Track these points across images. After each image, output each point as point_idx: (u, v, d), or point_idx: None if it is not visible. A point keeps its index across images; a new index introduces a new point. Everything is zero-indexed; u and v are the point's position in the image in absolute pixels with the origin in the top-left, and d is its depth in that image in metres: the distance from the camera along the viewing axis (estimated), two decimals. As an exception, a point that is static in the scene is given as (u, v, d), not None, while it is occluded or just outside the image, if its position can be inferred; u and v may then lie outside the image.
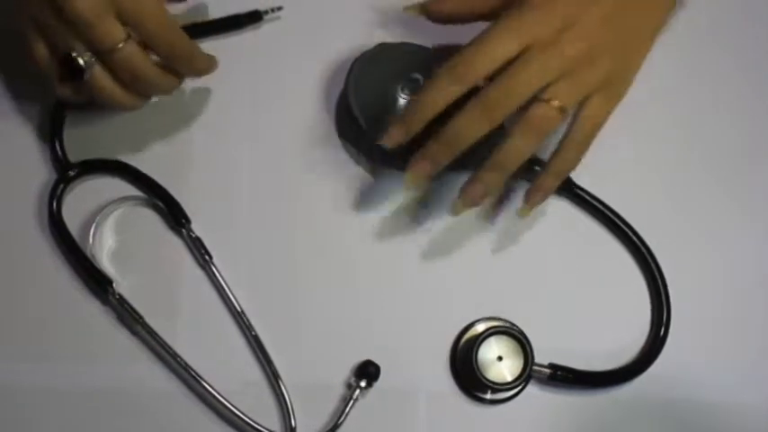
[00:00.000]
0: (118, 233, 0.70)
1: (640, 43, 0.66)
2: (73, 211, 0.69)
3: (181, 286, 0.69)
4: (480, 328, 0.68)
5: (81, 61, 0.63)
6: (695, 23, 0.75)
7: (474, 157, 0.64)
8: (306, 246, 0.70)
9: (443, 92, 0.62)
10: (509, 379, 0.66)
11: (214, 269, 0.68)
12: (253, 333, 0.67)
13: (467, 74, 0.61)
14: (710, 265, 0.71)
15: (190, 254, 0.69)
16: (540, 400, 0.68)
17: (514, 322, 0.68)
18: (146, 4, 0.63)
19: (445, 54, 0.64)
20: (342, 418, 0.66)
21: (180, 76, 0.68)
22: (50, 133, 0.70)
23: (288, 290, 0.69)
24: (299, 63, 0.73)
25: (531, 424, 0.68)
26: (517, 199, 0.70)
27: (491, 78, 0.62)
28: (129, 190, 0.70)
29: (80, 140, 0.71)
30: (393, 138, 0.63)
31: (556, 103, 0.62)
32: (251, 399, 0.66)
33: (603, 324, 0.69)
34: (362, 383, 0.66)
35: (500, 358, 0.67)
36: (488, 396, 0.68)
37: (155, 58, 0.65)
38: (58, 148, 0.70)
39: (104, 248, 0.69)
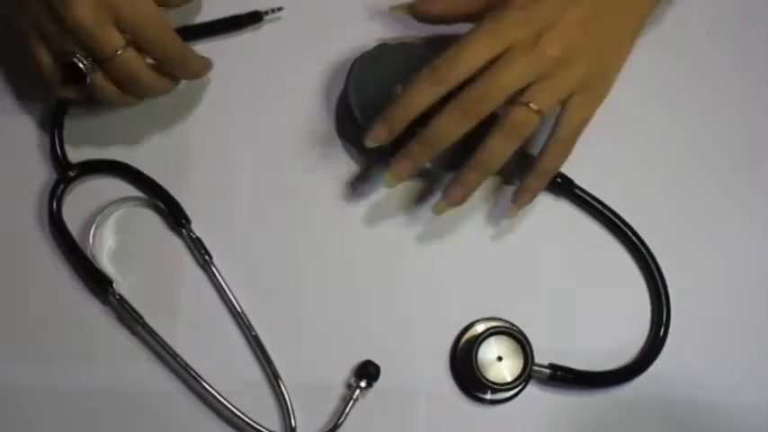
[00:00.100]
0: (118, 233, 0.70)
1: (620, 44, 0.67)
2: (73, 212, 0.69)
3: (181, 286, 0.69)
4: (480, 328, 0.68)
5: (82, 66, 0.64)
6: (695, 23, 0.75)
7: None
8: (306, 246, 0.70)
9: (425, 93, 0.63)
10: (509, 379, 0.66)
11: (214, 269, 0.68)
12: (253, 333, 0.67)
13: (447, 75, 0.63)
14: (710, 265, 0.71)
15: (190, 254, 0.69)
16: (540, 401, 0.68)
17: (514, 322, 0.68)
18: (144, 12, 0.64)
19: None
20: (342, 419, 0.66)
21: (175, 79, 0.69)
22: (51, 134, 0.71)
23: (288, 290, 0.69)
24: (299, 63, 0.73)
25: (531, 424, 0.68)
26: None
27: (472, 79, 0.63)
28: (130, 190, 0.71)
29: (80, 141, 0.71)
30: (376, 136, 0.65)
31: (534, 105, 0.63)
32: (251, 399, 0.66)
33: (603, 324, 0.69)
34: (362, 383, 0.66)
35: (500, 358, 0.67)
36: (488, 396, 0.68)
37: (149, 60, 0.66)
38: (58, 148, 0.70)
39: (104, 249, 0.69)
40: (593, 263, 0.71)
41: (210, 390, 0.65)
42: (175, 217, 0.69)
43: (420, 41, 0.73)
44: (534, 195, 0.68)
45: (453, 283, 0.70)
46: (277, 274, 0.69)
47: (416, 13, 0.70)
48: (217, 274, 0.68)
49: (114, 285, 0.67)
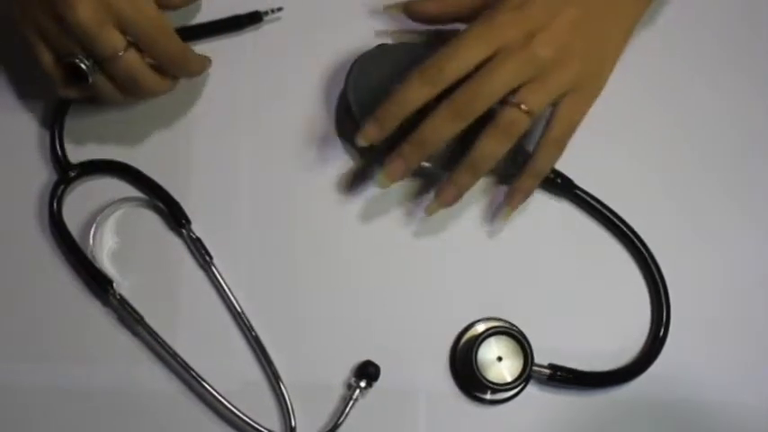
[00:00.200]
0: (118, 234, 0.70)
1: (612, 45, 0.68)
2: (73, 212, 0.69)
3: (181, 287, 0.69)
4: (480, 328, 0.68)
5: (84, 67, 0.64)
6: (695, 23, 0.75)
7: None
8: (306, 246, 0.70)
9: (416, 93, 0.64)
10: (509, 379, 0.66)
11: (214, 270, 0.68)
12: (253, 333, 0.67)
13: (439, 76, 0.63)
14: (710, 265, 0.71)
15: (190, 254, 0.70)
16: (540, 401, 0.68)
17: (514, 322, 0.68)
18: (146, 13, 0.64)
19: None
20: (342, 419, 0.66)
21: (174, 79, 0.69)
22: (51, 134, 0.71)
23: (288, 290, 0.69)
24: (299, 64, 0.73)
25: (531, 424, 0.68)
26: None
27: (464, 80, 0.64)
28: (130, 191, 0.71)
29: (80, 141, 0.71)
30: (367, 135, 0.65)
31: (525, 106, 0.64)
32: (251, 399, 0.66)
33: (603, 324, 0.69)
34: (362, 384, 0.66)
35: (500, 358, 0.67)
36: (488, 396, 0.68)
37: (148, 60, 0.66)
38: (58, 148, 0.70)
39: (105, 249, 0.69)
40: (593, 263, 0.71)
41: (210, 390, 0.66)
42: (176, 217, 0.69)
43: (420, 41, 0.74)
44: (527, 196, 0.68)
45: (453, 283, 0.70)
46: (277, 274, 0.69)
47: (410, 13, 0.71)
48: (217, 274, 0.68)
49: (114, 285, 0.67)
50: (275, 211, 0.70)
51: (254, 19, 0.74)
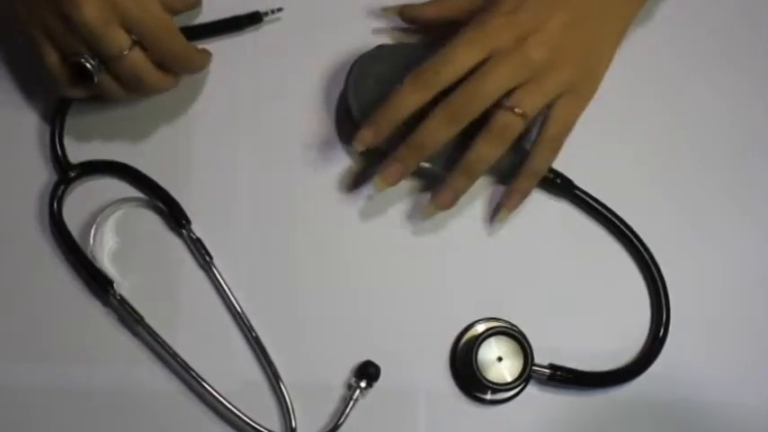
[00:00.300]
0: (118, 234, 0.70)
1: (605, 46, 0.69)
2: (73, 212, 0.69)
3: (181, 287, 0.69)
4: (480, 328, 0.69)
5: (89, 66, 0.64)
6: (696, 23, 0.75)
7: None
8: (306, 246, 0.70)
9: (410, 97, 0.65)
10: (509, 379, 0.66)
11: (214, 270, 0.68)
12: (253, 334, 0.67)
13: (433, 81, 0.64)
14: (710, 265, 0.71)
15: (190, 255, 0.70)
16: (540, 401, 0.68)
17: (514, 323, 0.68)
18: (151, 12, 0.65)
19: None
20: (342, 419, 0.66)
21: (177, 77, 0.69)
22: (51, 134, 0.71)
23: (288, 290, 0.69)
24: (299, 64, 0.73)
25: (531, 424, 0.68)
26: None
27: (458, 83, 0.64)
28: (130, 191, 0.71)
29: (81, 142, 0.71)
30: (363, 139, 0.66)
31: (518, 109, 0.64)
32: (251, 399, 0.66)
33: (603, 325, 0.69)
34: (363, 384, 0.66)
35: (500, 359, 0.67)
36: (488, 396, 0.68)
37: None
38: (58, 149, 0.70)
39: (105, 249, 0.69)
40: (593, 263, 0.71)
41: (211, 390, 0.66)
42: (176, 217, 0.69)
43: (420, 42, 0.74)
44: (524, 197, 0.69)
45: (453, 283, 0.70)
46: (277, 274, 0.69)
47: (406, 17, 0.72)
48: (217, 274, 0.68)
49: (115, 286, 0.67)
50: (275, 212, 0.71)
51: (254, 19, 0.74)
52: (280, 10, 0.74)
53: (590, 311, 0.69)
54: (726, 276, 0.71)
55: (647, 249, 0.70)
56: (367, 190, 0.71)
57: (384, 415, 0.67)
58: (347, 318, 0.69)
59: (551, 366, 0.67)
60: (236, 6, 0.74)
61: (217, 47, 0.73)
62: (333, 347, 0.68)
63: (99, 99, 0.68)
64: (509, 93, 0.65)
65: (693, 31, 0.75)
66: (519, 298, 0.70)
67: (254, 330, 0.67)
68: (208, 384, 0.66)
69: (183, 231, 0.69)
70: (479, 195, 0.71)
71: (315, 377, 0.68)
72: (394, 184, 0.67)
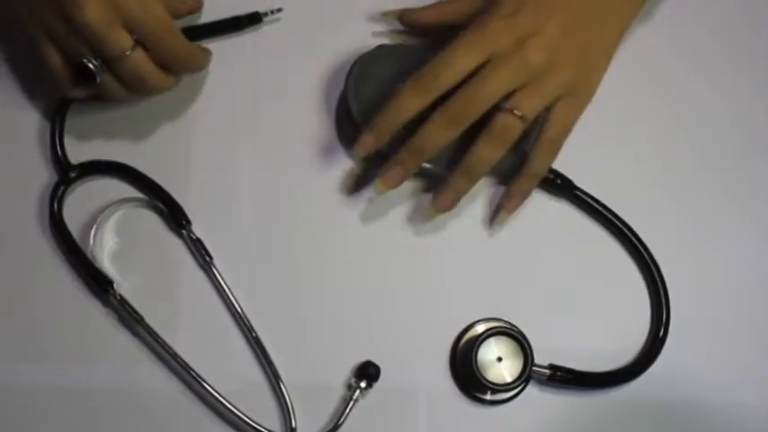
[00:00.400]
0: (119, 234, 0.70)
1: (603, 49, 0.69)
2: (74, 213, 0.69)
3: (181, 287, 0.69)
4: (480, 328, 0.69)
5: (92, 67, 0.65)
6: (696, 23, 0.75)
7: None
8: (306, 247, 0.70)
9: (410, 102, 0.65)
10: (509, 380, 0.66)
11: (215, 270, 0.68)
12: (253, 334, 0.67)
13: (433, 84, 0.65)
14: (710, 265, 0.71)
15: (190, 255, 0.70)
16: (540, 401, 0.68)
17: (514, 323, 0.68)
18: (153, 13, 0.65)
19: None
20: (342, 419, 0.66)
21: (178, 76, 0.69)
22: (51, 135, 0.71)
23: (288, 291, 0.69)
24: (299, 65, 0.73)
25: (531, 425, 0.68)
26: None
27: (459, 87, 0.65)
28: (130, 191, 0.71)
29: (81, 142, 0.71)
30: (365, 145, 0.66)
31: (518, 112, 0.65)
32: (251, 399, 0.66)
33: (603, 325, 0.69)
34: (363, 384, 0.66)
35: (500, 359, 0.67)
36: (488, 397, 0.68)
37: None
38: (58, 149, 0.70)
39: (105, 249, 0.69)
40: (593, 263, 0.71)
41: (211, 390, 0.66)
42: (176, 218, 0.69)
43: (420, 42, 0.74)
44: (523, 199, 0.69)
45: (453, 283, 0.70)
46: (277, 274, 0.69)
47: (405, 21, 0.73)
48: (217, 274, 0.68)
49: (115, 286, 0.67)
50: (275, 212, 0.71)
51: (253, 20, 0.74)
52: (279, 10, 0.74)
53: (590, 312, 0.69)
54: (726, 276, 0.71)
55: (647, 249, 0.70)
56: (367, 191, 0.71)
57: (384, 415, 0.67)
58: (347, 318, 0.69)
59: (551, 367, 0.67)
60: (236, 7, 0.74)
61: (217, 47, 0.73)
62: (333, 348, 0.68)
63: (100, 99, 0.68)
64: (508, 95, 0.65)
65: (693, 30, 0.75)
66: (519, 298, 0.70)
67: (254, 330, 0.67)
68: (208, 384, 0.66)
69: (184, 232, 0.69)
70: (480, 196, 0.71)
71: (315, 377, 0.68)
72: (394, 187, 0.67)
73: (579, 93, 0.68)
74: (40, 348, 0.67)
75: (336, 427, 0.66)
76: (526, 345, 0.67)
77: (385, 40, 0.74)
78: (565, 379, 0.67)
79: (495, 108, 0.65)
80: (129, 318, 0.67)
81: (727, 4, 0.76)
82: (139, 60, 0.65)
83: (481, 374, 0.66)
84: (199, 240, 0.69)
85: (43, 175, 0.71)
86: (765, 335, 0.70)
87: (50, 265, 0.69)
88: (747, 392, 0.69)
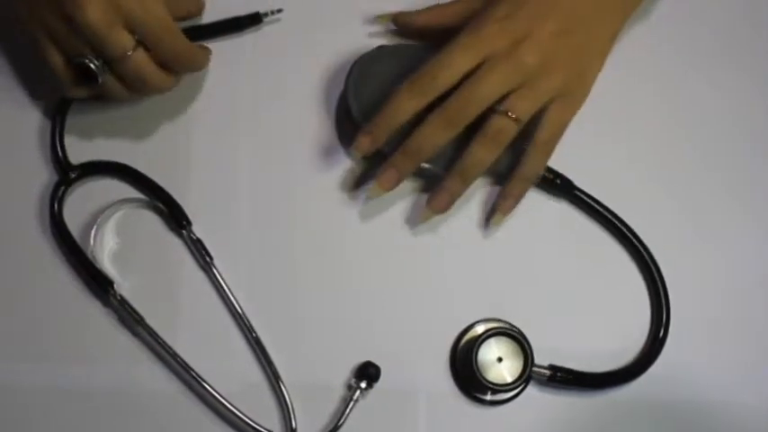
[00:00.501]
0: (119, 235, 0.70)
1: (596, 51, 0.69)
2: (74, 213, 0.70)
3: (181, 287, 0.69)
4: (480, 329, 0.69)
5: (93, 67, 0.65)
6: (696, 23, 0.75)
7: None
8: (306, 247, 0.70)
9: (406, 104, 0.65)
10: (509, 380, 0.66)
11: (215, 270, 0.68)
12: (253, 334, 0.67)
13: (429, 86, 0.65)
14: (710, 265, 0.71)
15: (191, 255, 0.70)
16: (540, 402, 0.68)
17: (514, 323, 0.68)
18: (154, 13, 0.65)
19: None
20: (342, 419, 0.66)
21: (179, 76, 0.69)
22: (51, 135, 0.71)
23: (288, 291, 0.69)
24: (299, 65, 0.73)
25: (531, 425, 0.68)
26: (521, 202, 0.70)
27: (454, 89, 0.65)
28: (130, 192, 0.71)
29: (81, 142, 0.71)
30: (361, 147, 0.67)
31: (512, 114, 0.65)
32: (251, 400, 0.66)
33: (603, 325, 0.69)
34: (363, 384, 0.66)
35: (500, 359, 0.67)
36: (488, 397, 0.68)
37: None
38: (59, 149, 0.70)
39: (105, 250, 0.69)
40: (593, 264, 0.71)
41: (211, 391, 0.66)
42: (176, 218, 0.69)
43: (420, 43, 0.74)
44: (517, 201, 0.69)
45: (453, 284, 0.70)
46: (277, 274, 0.69)
47: (400, 24, 0.73)
48: (217, 275, 0.68)
49: (115, 286, 0.67)
50: (275, 212, 0.71)
51: (254, 20, 0.74)
52: (280, 11, 0.74)
53: (590, 312, 0.69)
54: (726, 276, 0.71)
55: (646, 250, 0.70)
56: (366, 190, 0.71)
57: (384, 416, 0.67)
58: (347, 318, 0.69)
59: (551, 367, 0.67)
60: (236, 7, 0.74)
61: (217, 47, 0.73)
62: (333, 348, 0.68)
63: (100, 99, 0.68)
64: (503, 97, 0.65)
65: (694, 29, 0.75)
66: (519, 299, 0.70)
67: (254, 331, 0.67)
68: (208, 385, 0.66)
69: (184, 232, 0.69)
70: (480, 197, 0.71)
71: (315, 378, 0.68)
72: (390, 189, 0.67)
73: (573, 94, 0.68)
74: (40, 348, 0.68)
75: (337, 427, 0.66)
76: (526, 345, 0.67)
77: (385, 41, 0.74)
78: (565, 379, 0.67)
79: (490, 110, 0.65)
80: (130, 318, 0.67)
81: (728, 3, 0.76)
82: (141, 61, 0.65)
83: (481, 375, 0.66)
84: (199, 241, 0.69)
85: (43, 176, 0.71)
86: (765, 335, 0.70)
87: (50, 265, 0.69)
88: (748, 392, 0.68)
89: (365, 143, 0.67)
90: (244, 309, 0.68)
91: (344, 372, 0.68)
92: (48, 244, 0.69)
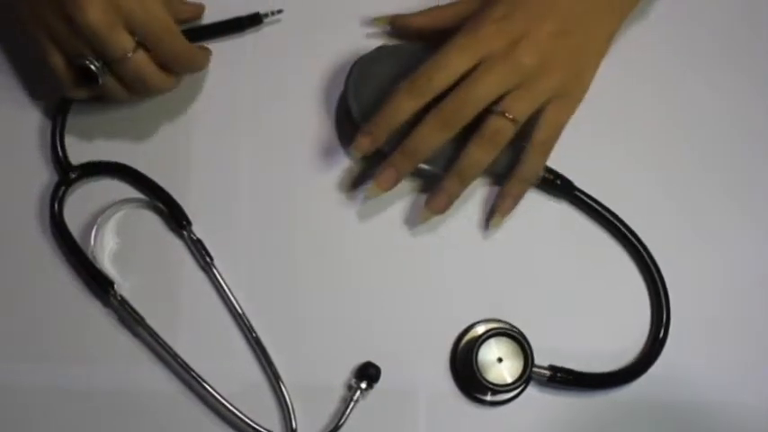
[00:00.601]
0: (119, 235, 0.70)
1: (592, 52, 0.69)
2: (74, 213, 0.70)
3: (182, 288, 0.69)
4: (480, 329, 0.69)
5: (94, 68, 0.65)
6: (696, 23, 0.75)
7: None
8: (306, 247, 0.70)
9: (404, 105, 0.65)
10: (509, 380, 0.66)
11: (215, 271, 0.69)
12: (254, 334, 0.67)
13: (427, 87, 0.65)
14: (710, 265, 0.71)
15: (191, 256, 0.70)
16: (540, 402, 0.68)
17: (514, 324, 0.68)
18: (154, 14, 0.65)
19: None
20: (342, 420, 0.66)
21: (179, 77, 0.70)
22: (52, 135, 0.71)
23: (288, 291, 0.69)
24: (299, 66, 0.73)
25: (531, 425, 0.68)
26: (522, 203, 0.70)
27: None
28: (131, 192, 0.71)
29: (81, 143, 0.71)
30: (360, 147, 0.67)
31: (509, 114, 0.65)
32: (252, 400, 0.66)
33: (603, 326, 0.69)
34: (363, 385, 0.66)
35: (500, 360, 0.67)
36: (488, 398, 0.68)
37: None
38: (59, 150, 0.71)
39: (106, 250, 0.69)
40: (593, 264, 0.71)
41: (211, 391, 0.66)
42: (176, 219, 0.69)
43: (419, 44, 0.74)
44: (516, 202, 0.69)
45: (454, 284, 0.70)
46: (277, 275, 0.69)
47: (396, 26, 0.73)
48: (217, 275, 0.68)
49: (115, 287, 0.67)
50: (275, 212, 0.71)
51: (254, 21, 0.74)
52: (280, 11, 0.74)
53: (590, 312, 0.69)
54: (726, 276, 0.71)
55: (646, 250, 0.70)
56: (365, 191, 0.71)
57: (384, 416, 0.67)
58: (347, 318, 0.69)
59: (551, 368, 0.67)
60: (236, 8, 0.74)
61: (217, 47, 0.73)
62: (333, 348, 0.68)
63: (100, 99, 0.68)
64: (500, 98, 0.65)
65: (692, 29, 0.75)
66: (519, 299, 0.70)
67: (254, 331, 0.67)
68: (208, 385, 0.66)
69: (184, 232, 0.69)
70: (480, 197, 0.71)
71: (315, 378, 0.68)
72: (388, 189, 0.68)
73: (570, 95, 0.68)
74: (40, 348, 0.67)
75: (337, 427, 0.66)
76: (526, 345, 0.67)
77: (385, 41, 0.74)
78: (565, 380, 0.67)
79: (487, 111, 0.65)
80: (130, 318, 0.67)
81: (728, 3, 0.76)
82: (141, 61, 0.65)
83: (481, 375, 0.66)
84: (199, 241, 0.69)
85: (44, 176, 0.71)
86: (765, 335, 0.70)
87: (51, 265, 0.69)
88: (747, 393, 0.69)
89: (365, 143, 0.67)
90: (244, 309, 0.68)
91: (344, 372, 0.68)
92: (48, 244, 0.69)
